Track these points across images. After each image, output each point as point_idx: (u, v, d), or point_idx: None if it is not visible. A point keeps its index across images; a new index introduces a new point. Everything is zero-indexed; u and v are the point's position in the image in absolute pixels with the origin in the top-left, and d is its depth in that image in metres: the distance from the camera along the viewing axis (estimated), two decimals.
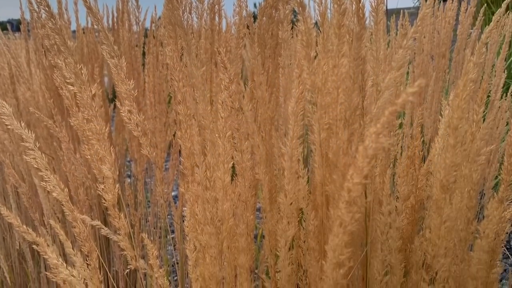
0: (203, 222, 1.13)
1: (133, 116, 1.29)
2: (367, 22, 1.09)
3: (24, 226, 1.15)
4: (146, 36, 2.24)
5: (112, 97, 2.88)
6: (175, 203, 2.43)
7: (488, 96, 2.10)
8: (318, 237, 1.13)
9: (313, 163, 1.12)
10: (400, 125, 1.73)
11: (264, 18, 1.28)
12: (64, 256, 2.01)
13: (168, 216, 1.93)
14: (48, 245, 1.12)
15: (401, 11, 2.36)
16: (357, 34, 1.06)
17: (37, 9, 2.20)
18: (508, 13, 2.49)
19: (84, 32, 2.44)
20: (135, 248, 1.28)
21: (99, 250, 1.98)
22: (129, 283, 2.40)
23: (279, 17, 1.29)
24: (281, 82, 1.37)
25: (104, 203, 1.22)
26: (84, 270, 1.16)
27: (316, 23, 1.10)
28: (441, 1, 2.68)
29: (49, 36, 1.28)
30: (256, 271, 1.88)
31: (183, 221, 1.21)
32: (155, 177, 1.70)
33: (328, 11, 1.13)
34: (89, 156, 1.26)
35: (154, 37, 2.18)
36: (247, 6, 1.49)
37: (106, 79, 2.91)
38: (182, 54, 1.24)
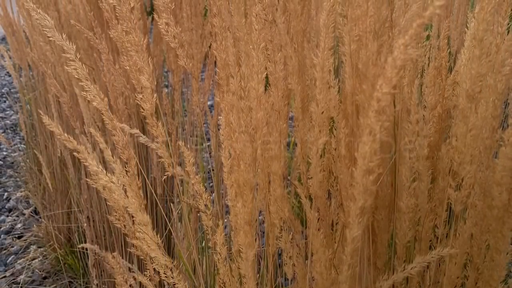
0: (238, 130, 1.16)
1: (171, 28, 1.32)
2: None
3: (65, 135, 1.18)
4: None
5: (150, 10, 2.90)
6: (211, 112, 2.46)
7: None
8: (349, 145, 1.16)
9: (344, 73, 1.15)
10: (428, 37, 1.75)
11: None
12: (104, 163, 2.04)
13: (204, 125, 1.96)
14: (88, 153, 1.16)
15: None
16: None
17: None
18: None
19: None
20: (172, 156, 1.31)
21: (137, 158, 2.01)
22: (167, 189, 2.44)
23: None
24: None
25: (142, 112, 1.25)
26: (123, 177, 1.19)
27: None
28: None
29: None
30: (288, 177, 1.92)
31: (219, 129, 1.24)
32: (192, 87, 1.73)
33: None
34: (128, 67, 1.29)
35: None
36: None
37: None
38: None
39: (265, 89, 1.17)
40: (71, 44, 1.16)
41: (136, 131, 1.35)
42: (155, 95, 1.25)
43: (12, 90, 5.61)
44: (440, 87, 1.21)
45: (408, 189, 1.17)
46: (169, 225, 2.36)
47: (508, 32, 1.16)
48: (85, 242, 2.52)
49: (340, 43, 1.14)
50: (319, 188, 1.19)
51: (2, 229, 3.34)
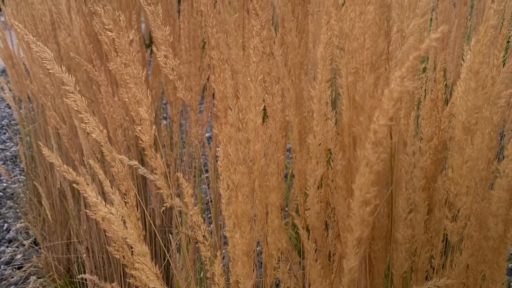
0: (236, 162, 1.17)
1: (169, 60, 1.33)
2: None
3: (65, 166, 1.19)
4: None
5: (149, 43, 2.92)
6: (209, 144, 2.48)
7: (508, 42, 2.13)
8: (346, 176, 1.16)
9: (341, 105, 1.15)
10: (424, 69, 1.76)
11: None
12: (103, 194, 2.05)
13: (202, 156, 1.97)
14: (87, 184, 1.16)
15: None
16: None
17: None
18: None
19: None
20: (170, 187, 1.31)
21: (136, 189, 2.01)
22: (165, 220, 2.44)
23: None
24: (310, 28, 1.41)
25: (141, 144, 1.25)
26: (122, 208, 1.20)
27: None
28: None
29: None
30: (286, 208, 1.92)
31: (217, 161, 1.25)
32: (190, 119, 1.74)
33: None
34: (126, 99, 1.30)
35: None
36: None
37: (143, 26, 2.95)
38: (216, 1, 1.28)
39: (263, 121, 1.18)
40: (70, 76, 1.17)
41: (135, 162, 1.35)
42: (153, 127, 1.25)
43: (12, 122, 5.63)
44: (436, 119, 1.22)
45: (404, 220, 1.18)
46: (168, 256, 2.36)
47: (504, 64, 1.17)
48: (85, 272, 2.53)
49: (337, 76, 1.15)
50: (317, 219, 1.19)
51: (2, 259, 3.33)
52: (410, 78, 0.66)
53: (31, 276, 3.17)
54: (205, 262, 1.31)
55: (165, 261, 2.44)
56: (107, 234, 1.23)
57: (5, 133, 5.37)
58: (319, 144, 1.14)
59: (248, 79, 1.14)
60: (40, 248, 3.24)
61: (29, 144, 3.57)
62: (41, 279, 3.12)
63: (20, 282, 3.15)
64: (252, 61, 1.13)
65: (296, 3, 1.33)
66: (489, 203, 1.13)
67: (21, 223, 3.70)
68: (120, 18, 1.26)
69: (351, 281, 0.92)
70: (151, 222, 1.85)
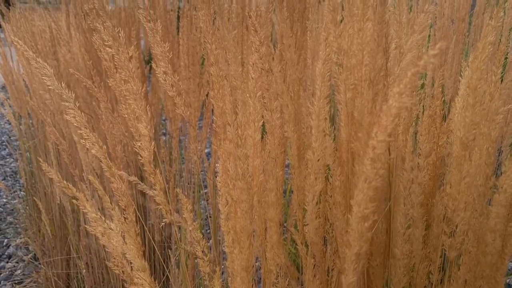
0: (235, 178, 1.17)
1: (168, 77, 1.33)
2: None
3: (64, 182, 1.19)
4: (180, 0, 2.30)
5: (148, 59, 2.93)
6: (208, 159, 2.50)
7: (506, 58, 2.13)
8: (344, 192, 1.16)
9: (339, 121, 1.15)
10: (422, 86, 1.76)
11: None
12: (103, 210, 2.05)
13: (202, 172, 1.97)
14: (87, 200, 1.16)
15: None
16: None
17: None
18: None
19: None
20: (170, 203, 1.31)
21: (135, 205, 2.01)
22: (164, 236, 2.44)
23: None
24: (309, 44, 1.41)
25: (141, 159, 1.26)
26: (122, 224, 1.20)
27: None
28: None
29: (88, 0, 1.33)
30: (285, 224, 1.92)
31: (216, 176, 1.25)
32: (189, 135, 1.75)
33: None
34: (126, 115, 1.30)
35: (188, 1, 2.22)
36: None
37: (142, 42, 2.96)
38: (215, 18, 1.29)
39: (262, 137, 1.18)
40: (70, 92, 1.17)
41: (134, 178, 1.36)
42: (153, 143, 1.26)
43: (12, 138, 5.65)
44: (434, 135, 1.22)
45: (403, 236, 1.18)
46: (167, 271, 2.36)
47: (502, 80, 1.17)
48: None
49: (335, 92, 1.15)
50: (315, 235, 1.19)
51: (2, 275, 3.33)
52: (408, 94, 0.66)
53: None
54: (204, 278, 1.31)
55: (164, 277, 2.44)
56: (106, 249, 1.23)
57: (5, 149, 5.39)
58: (318, 160, 1.14)
59: (247, 95, 1.14)
60: (39, 264, 3.23)
61: (29, 160, 3.58)
62: None
63: None
64: (251, 77, 1.13)
65: (295, 19, 1.34)
66: (487, 218, 1.13)
67: (21, 238, 3.70)
68: (120, 35, 1.26)
69: None
70: (151, 238, 1.85)
